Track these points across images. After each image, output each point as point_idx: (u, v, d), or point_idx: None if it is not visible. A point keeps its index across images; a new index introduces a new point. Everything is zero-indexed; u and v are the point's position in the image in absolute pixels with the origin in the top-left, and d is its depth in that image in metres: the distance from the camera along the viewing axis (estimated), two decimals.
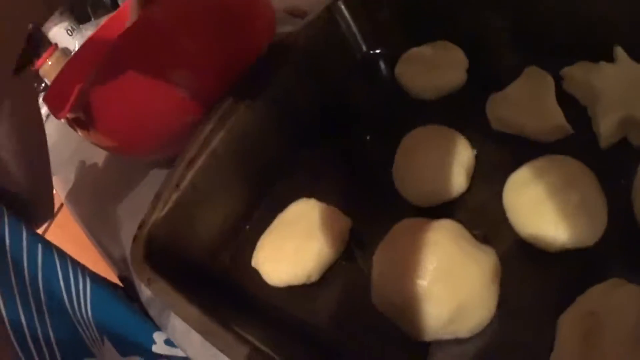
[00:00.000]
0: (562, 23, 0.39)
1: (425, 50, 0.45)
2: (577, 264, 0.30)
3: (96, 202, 0.71)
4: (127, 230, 0.63)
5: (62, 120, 0.49)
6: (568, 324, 0.27)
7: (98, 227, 0.68)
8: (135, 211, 0.64)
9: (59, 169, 0.82)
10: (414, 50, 0.46)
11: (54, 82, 0.57)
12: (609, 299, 0.27)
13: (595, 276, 0.28)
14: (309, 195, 0.41)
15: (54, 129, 0.91)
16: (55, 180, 0.82)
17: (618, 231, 0.30)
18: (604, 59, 0.37)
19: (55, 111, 0.49)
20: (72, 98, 0.43)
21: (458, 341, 0.31)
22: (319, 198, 0.41)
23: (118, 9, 0.66)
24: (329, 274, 0.38)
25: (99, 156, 0.75)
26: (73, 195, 0.77)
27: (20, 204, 0.54)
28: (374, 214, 0.40)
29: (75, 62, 0.58)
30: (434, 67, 0.44)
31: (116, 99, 0.45)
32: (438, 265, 0.30)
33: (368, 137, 0.46)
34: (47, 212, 0.61)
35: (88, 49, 0.61)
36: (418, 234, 0.32)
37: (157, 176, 0.66)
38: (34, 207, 0.57)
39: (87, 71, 0.43)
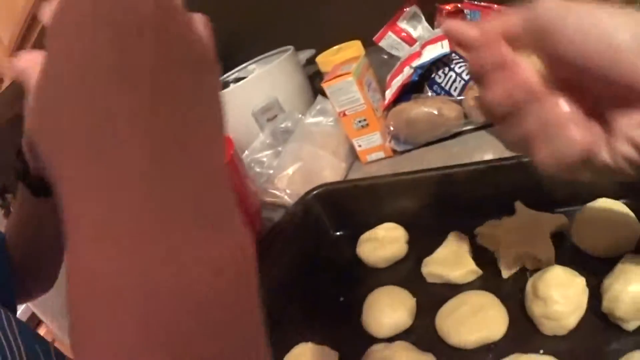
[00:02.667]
0: (477, 194, 0.57)
1: (378, 231, 0.64)
2: None
3: None
4: None
5: None
6: None
7: None
8: None
9: None
10: (370, 231, 0.64)
11: None
12: None
13: None
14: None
15: None
16: None
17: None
18: (508, 213, 0.54)
19: None
20: None
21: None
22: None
23: None
24: None
25: None
26: None
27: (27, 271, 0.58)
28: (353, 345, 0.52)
29: None
30: (384, 244, 0.62)
31: None
32: None
33: (341, 299, 0.61)
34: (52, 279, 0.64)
35: None
36: None
37: None
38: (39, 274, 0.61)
39: None
